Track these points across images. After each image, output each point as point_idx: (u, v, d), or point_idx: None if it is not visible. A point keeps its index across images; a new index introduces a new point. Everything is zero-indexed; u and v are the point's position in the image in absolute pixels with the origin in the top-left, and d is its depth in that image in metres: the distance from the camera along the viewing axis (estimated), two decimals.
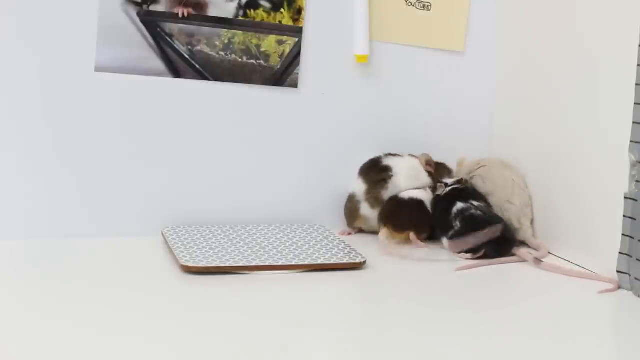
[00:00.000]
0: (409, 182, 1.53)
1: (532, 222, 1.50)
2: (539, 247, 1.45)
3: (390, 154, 1.56)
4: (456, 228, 1.45)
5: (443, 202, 1.49)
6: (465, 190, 1.50)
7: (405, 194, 1.52)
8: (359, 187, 1.54)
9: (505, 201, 1.49)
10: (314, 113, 1.56)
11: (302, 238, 1.46)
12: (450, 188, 1.51)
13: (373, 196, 1.53)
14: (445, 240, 1.47)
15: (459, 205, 1.47)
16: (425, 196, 1.52)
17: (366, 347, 1.08)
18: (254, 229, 1.50)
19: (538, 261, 1.39)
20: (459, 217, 1.46)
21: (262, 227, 1.51)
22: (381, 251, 1.43)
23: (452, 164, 1.57)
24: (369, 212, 1.53)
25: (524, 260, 1.40)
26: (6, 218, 1.44)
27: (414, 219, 1.49)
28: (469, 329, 1.14)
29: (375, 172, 1.54)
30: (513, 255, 1.43)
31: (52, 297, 1.20)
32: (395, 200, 1.51)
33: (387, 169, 1.54)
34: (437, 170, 1.55)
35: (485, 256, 1.42)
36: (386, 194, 1.53)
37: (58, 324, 1.10)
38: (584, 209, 1.38)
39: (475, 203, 1.47)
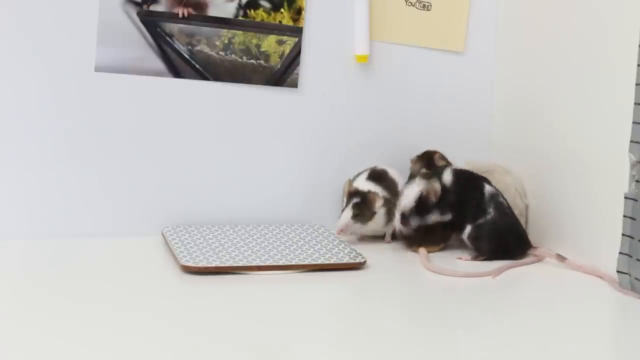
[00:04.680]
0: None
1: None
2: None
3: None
4: (489, 216, 1.42)
5: (470, 183, 1.44)
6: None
7: None
8: None
9: None
10: (314, 113, 1.56)
11: (302, 238, 1.46)
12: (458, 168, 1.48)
13: None
14: (469, 227, 1.42)
15: (488, 188, 1.44)
16: None
17: (366, 347, 1.08)
18: (254, 229, 1.50)
19: (562, 258, 1.38)
20: (492, 201, 1.43)
21: (262, 227, 1.51)
22: (426, 268, 1.38)
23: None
24: None
25: (539, 260, 1.41)
26: (5, 218, 1.44)
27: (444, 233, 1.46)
28: (470, 329, 1.14)
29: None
30: (527, 255, 1.42)
31: (52, 297, 1.20)
32: None
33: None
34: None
35: (501, 257, 1.41)
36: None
37: (58, 323, 1.10)
38: (584, 209, 1.38)
39: (497, 188, 1.45)
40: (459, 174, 1.45)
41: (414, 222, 1.43)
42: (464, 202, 1.43)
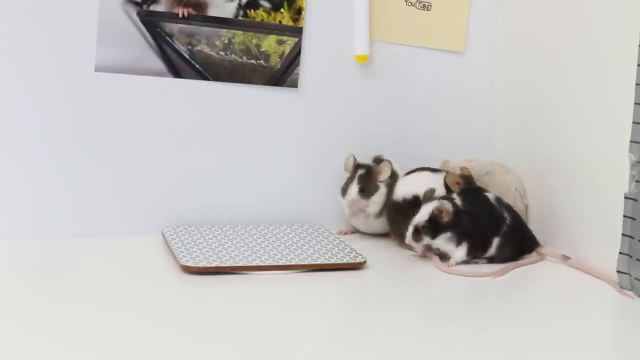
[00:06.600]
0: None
1: None
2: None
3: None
4: (508, 221, 1.39)
5: (476, 197, 1.41)
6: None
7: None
8: None
9: None
10: (314, 113, 1.56)
11: (302, 238, 1.46)
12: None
13: None
14: (497, 240, 1.39)
15: (490, 195, 1.42)
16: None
17: (366, 347, 1.08)
18: (254, 229, 1.50)
19: (566, 258, 1.38)
20: (501, 205, 1.41)
21: (262, 227, 1.51)
22: (443, 271, 1.36)
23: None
24: None
25: (541, 259, 1.41)
26: (5, 218, 1.44)
27: None
28: (470, 329, 1.14)
29: None
30: (534, 253, 1.42)
31: (52, 297, 1.20)
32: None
33: None
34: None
35: (508, 259, 1.40)
36: None
37: (57, 324, 1.10)
38: (584, 209, 1.38)
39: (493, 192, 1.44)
40: (462, 193, 1.41)
41: (426, 240, 1.37)
42: (481, 220, 1.38)
